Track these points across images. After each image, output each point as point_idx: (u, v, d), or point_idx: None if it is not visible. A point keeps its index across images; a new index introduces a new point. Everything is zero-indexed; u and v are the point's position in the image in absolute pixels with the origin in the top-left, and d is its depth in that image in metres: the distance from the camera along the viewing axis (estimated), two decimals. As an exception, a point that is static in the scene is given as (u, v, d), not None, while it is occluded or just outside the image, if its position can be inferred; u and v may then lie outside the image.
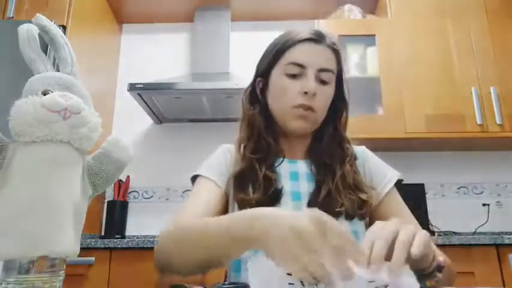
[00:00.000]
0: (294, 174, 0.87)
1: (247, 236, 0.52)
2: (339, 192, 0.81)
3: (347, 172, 0.84)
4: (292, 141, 0.91)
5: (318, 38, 0.86)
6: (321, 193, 0.82)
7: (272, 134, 0.88)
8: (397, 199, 0.88)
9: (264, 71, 0.91)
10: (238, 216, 0.57)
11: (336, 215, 0.79)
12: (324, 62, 0.86)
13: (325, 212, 0.81)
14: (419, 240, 0.48)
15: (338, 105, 0.91)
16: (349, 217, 0.80)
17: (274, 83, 0.88)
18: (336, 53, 0.89)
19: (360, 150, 0.94)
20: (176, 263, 0.68)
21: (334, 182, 0.82)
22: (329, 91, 0.88)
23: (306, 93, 0.83)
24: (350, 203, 0.80)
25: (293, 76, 0.85)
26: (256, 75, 0.93)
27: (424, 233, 0.50)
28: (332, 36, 0.90)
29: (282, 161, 0.87)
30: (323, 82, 0.85)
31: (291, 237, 0.44)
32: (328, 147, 0.88)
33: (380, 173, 0.90)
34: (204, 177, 0.86)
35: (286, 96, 0.85)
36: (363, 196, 0.81)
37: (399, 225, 0.49)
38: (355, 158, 0.89)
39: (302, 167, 0.89)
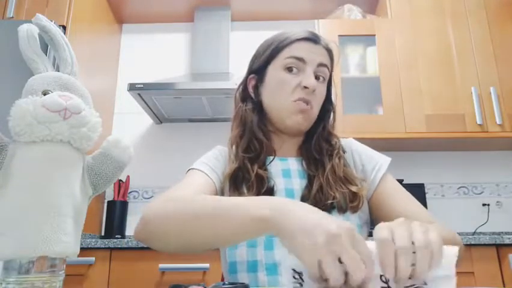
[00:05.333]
0: (286, 171, 0.87)
1: (269, 218, 0.52)
2: (330, 186, 0.81)
3: (337, 165, 0.85)
4: (285, 140, 0.91)
5: (315, 38, 0.88)
6: (313, 188, 0.82)
7: (264, 132, 0.89)
8: (394, 185, 0.88)
9: (258, 68, 0.91)
10: (262, 199, 0.57)
11: (328, 208, 0.80)
12: (322, 58, 0.88)
13: (317, 205, 0.82)
14: (437, 248, 0.43)
15: (326, 106, 0.93)
16: (341, 210, 0.81)
17: (271, 78, 0.88)
18: (331, 55, 0.91)
19: (346, 143, 0.94)
20: (171, 236, 0.65)
21: (324, 175, 0.83)
22: (324, 89, 0.90)
23: (305, 88, 0.84)
24: (342, 196, 0.81)
25: (291, 71, 0.86)
26: (249, 73, 0.93)
27: (436, 234, 0.44)
28: (326, 38, 0.92)
29: (273, 159, 0.87)
30: (319, 79, 0.87)
31: (320, 234, 0.43)
32: (316, 143, 0.89)
33: (370, 161, 0.90)
34: (197, 170, 0.85)
35: (285, 90, 0.85)
36: (354, 188, 0.82)
37: (409, 229, 0.44)
38: (343, 151, 0.90)
39: (293, 164, 0.89)
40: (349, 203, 0.81)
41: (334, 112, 0.95)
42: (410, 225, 0.45)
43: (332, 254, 0.42)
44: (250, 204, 0.57)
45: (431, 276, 0.43)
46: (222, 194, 0.87)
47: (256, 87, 0.91)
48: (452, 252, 0.44)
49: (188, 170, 0.87)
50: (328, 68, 0.89)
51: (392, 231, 0.44)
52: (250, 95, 0.92)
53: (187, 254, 1.61)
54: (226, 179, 0.84)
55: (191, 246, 0.67)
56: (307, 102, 0.85)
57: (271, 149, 0.88)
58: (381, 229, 0.45)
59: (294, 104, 0.84)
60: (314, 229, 0.44)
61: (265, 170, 0.85)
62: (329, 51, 0.90)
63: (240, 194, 0.81)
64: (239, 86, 0.95)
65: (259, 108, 0.90)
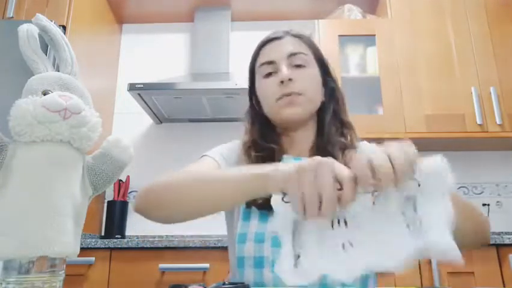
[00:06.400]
0: None
1: (264, 173, 0.58)
2: None
3: (349, 161, 0.84)
4: (295, 138, 0.91)
5: (278, 36, 0.90)
6: None
7: (274, 137, 0.90)
8: None
9: (250, 88, 0.95)
10: (260, 165, 0.64)
11: None
12: (291, 48, 0.88)
13: None
14: (411, 153, 0.56)
15: (330, 85, 0.92)
16: None
17: (258, 89, 0.92)
18: (304, 39, 0.91)
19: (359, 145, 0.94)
20: (172, 202, 0.69)
21: None
22: (309, 72, 0.89)
23: (282, 82, 0.85)
24: None
25: (269, 75, 0.88)
26: (250, 95, 0.97)
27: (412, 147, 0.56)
28: (296, 29, 0.93)
29: (285, 159, 0.87)
30: (298, 66, 0.87)
31: (293, 168, 0.52)
32: (331, 136, 0.88)
33: None
34: (208, 156, 0.88)
35: (269, 94, 0.88)
36: None
37: (385, 149, 0.53)
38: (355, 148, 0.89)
39: None
40: None
41: (339, 90, 0.92)
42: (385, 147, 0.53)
43: (307, 183, 0.50)
44: (249, 167, 0.64)
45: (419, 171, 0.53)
46: None
47: (258, 103, 0.94)
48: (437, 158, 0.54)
49: (201, 156, 0.90)
50: (304, 53, 0.88)
51: (368, 154, 0.51)
52: (256, 111, 0.94)
53: (186, 254, 1.61)
54: None
55: (190, 210, 0.69)
56: (289, 95, 0.85)
57: (283, 151, 0.89)
58: (359, 154, 0.53)
59: (279, 102, 0.86)
60: (299, 167, 0.52)
61: None
62: (300, 37, 0.91)
63: None
64: (247, 109, 0.97)
65: (265, 118, 0.92)
